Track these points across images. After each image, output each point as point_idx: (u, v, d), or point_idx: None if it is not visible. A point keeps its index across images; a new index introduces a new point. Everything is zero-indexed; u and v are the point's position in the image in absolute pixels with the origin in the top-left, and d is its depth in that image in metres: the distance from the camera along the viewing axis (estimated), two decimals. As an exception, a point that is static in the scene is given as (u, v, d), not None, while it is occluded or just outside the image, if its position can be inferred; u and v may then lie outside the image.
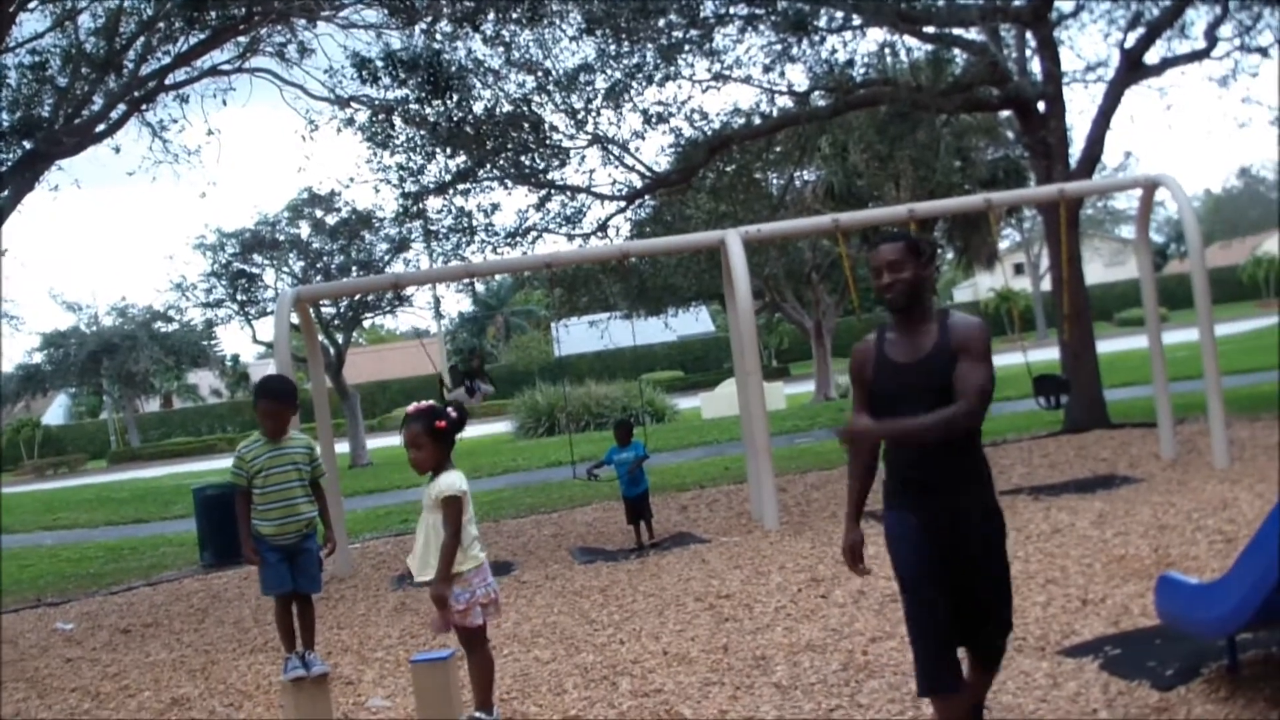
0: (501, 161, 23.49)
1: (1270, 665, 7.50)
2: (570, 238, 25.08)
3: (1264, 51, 23.62)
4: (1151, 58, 22.93)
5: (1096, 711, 7.13)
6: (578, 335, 54.83)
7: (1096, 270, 75.37)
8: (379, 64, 21.68)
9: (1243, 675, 7.36)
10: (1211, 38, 23.10)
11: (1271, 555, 6.53)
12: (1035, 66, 22.92)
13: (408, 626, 12.46)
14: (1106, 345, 29.50)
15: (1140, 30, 22.66)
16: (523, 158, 23.62)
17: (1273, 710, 6.74)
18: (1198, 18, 23.46)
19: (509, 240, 24.58)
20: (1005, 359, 38.20)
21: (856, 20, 22.37)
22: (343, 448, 40.27)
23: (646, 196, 26.36)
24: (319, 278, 37.11)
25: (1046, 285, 45.92)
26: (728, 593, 12.02)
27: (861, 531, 6.55)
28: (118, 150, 20.31)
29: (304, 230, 39.65)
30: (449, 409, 7.79)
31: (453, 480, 7.59)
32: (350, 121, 22.86)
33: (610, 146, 24.55)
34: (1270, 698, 6.93)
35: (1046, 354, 31.21)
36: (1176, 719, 6.86)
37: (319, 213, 38.94)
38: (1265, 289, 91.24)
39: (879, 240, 6.38)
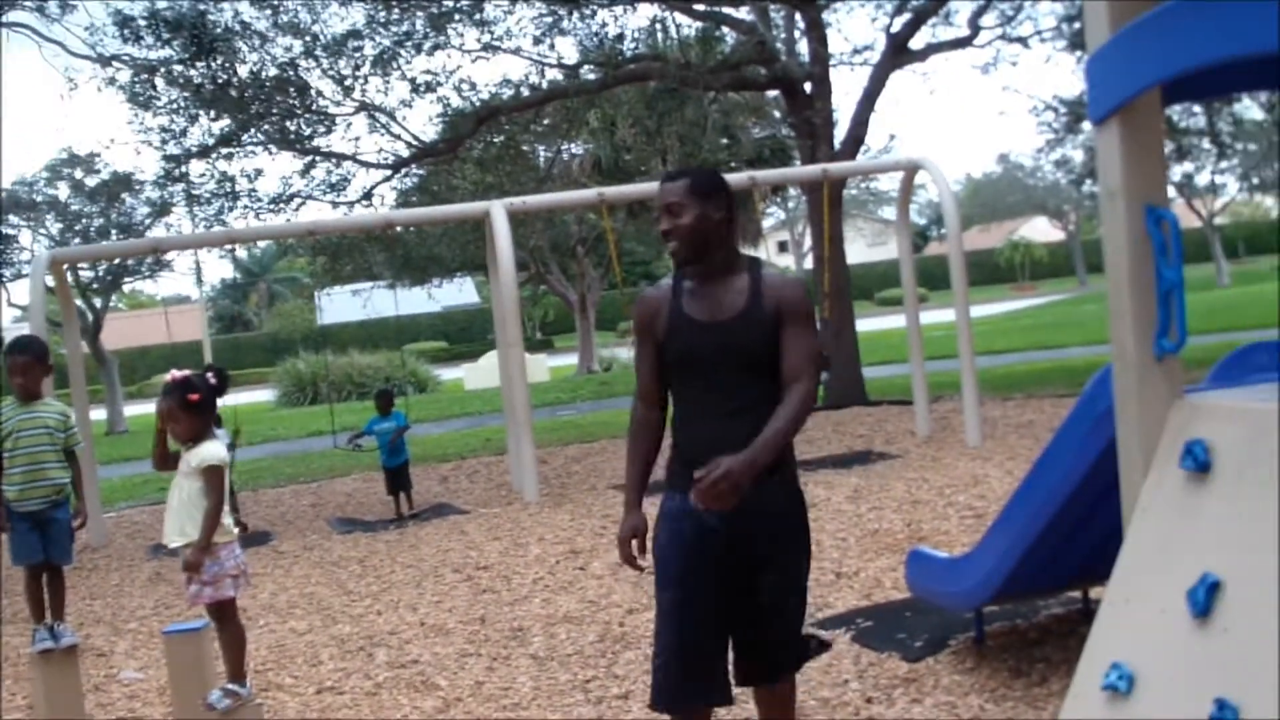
0: (266, 126, 23.13)
1: (1015, 637, 7.68)
2: (335, 205, 24.83)
3: (1024, 42, 24.28)
4: (917, 43, 23.37)
5: (848, 682, 7.23)
6: (341, 304, 54.36)
7: (859, 250, 76.52)
8: (142, 23, 21.22)
9: (988, 647, 7.52)
10: (975, 26, 23.64)
11: (1016, 531, 6.69)
12: (803, 47, 23.18)
13: (162, 597, 12.24)
14: (866, 324, 30.02)
15: (906, 15, 23.06)
16: (288, 123, 23.28)
17: (1016, 680, 6.90)
18: (962, 6, 23.98)
19: (272, 206, 24.24)
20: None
21: (628, -5, 22.43)
22: (100, 414, 39.46)
23: (413, 166, 26.19)
24: (77, 240, 36.26)
25: (810, 263, 46.62)
26: (486, 564, 12.01)
27: (644, 517, 5.44)
28: None
29: (62, 191, 38.78)
30: (208, 374, 7.63)
31: (215, 449, 7.44)
32: (112, 81, 22.38)
33: (377, 114, 24.34)
34: (1014, 668, 7.10)
35: (808, 332, 31.52)
36: (924, 689, 6.99)
37: (78, 174, 38.11)
38: (1020, 273, 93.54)
39: (664, 178, 5.41)
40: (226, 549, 7.32)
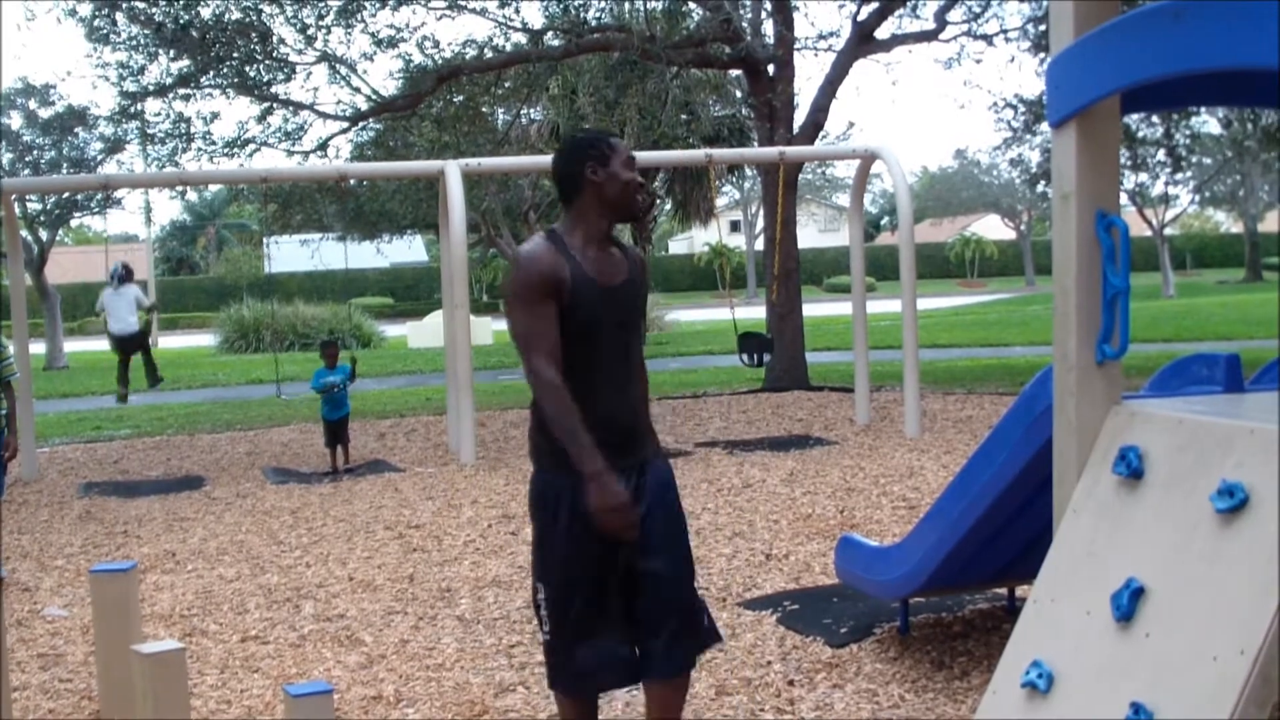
0: (225, 70, 22.97)
1: (939, 629, 7.74)
2: (289, 154, 24.71)
3: (989, 39, 24.28)
4: (882, 33, 23.38)
5: (771, 664, 7.27)
6: (289, 253, 54.15)
7: (810, 235, 76.66)
8: (104, -45, 21.05)
9: (912, 637, 7.57)
10: (941, 21, 23.66)
11: (947, 524, 6.73)
12: (769, 29, 23.18)
13: (91, 535, 12.18)
14: (813, 309, 30.08)
15: (874, 4, 23.06)
16: (247, 68, 23.13)
17: (938, 672, 6.96)
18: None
19: (226, 150, 24.09)
20: (713, 314, 38.68)
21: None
22: (39, 349, 39.23)
23: (370, 120, 26.07)
24: (27, 171, 36.00)
25: (761, 245, 46.58)
26: (418, 523, 12.01)
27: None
28: None
29: (15, 121, 38.48)
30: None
31: None
32: (72, 13, 22.18)
33: (338, 65, 24.22)
34: (936, 660, 7.15)
35: (754, 312, 31.62)
36: (846, 675, 7.04)
37: (32, 104, 37.80)
38: (970, 269, 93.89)
39: (615, 137, 5.26)
40: None
